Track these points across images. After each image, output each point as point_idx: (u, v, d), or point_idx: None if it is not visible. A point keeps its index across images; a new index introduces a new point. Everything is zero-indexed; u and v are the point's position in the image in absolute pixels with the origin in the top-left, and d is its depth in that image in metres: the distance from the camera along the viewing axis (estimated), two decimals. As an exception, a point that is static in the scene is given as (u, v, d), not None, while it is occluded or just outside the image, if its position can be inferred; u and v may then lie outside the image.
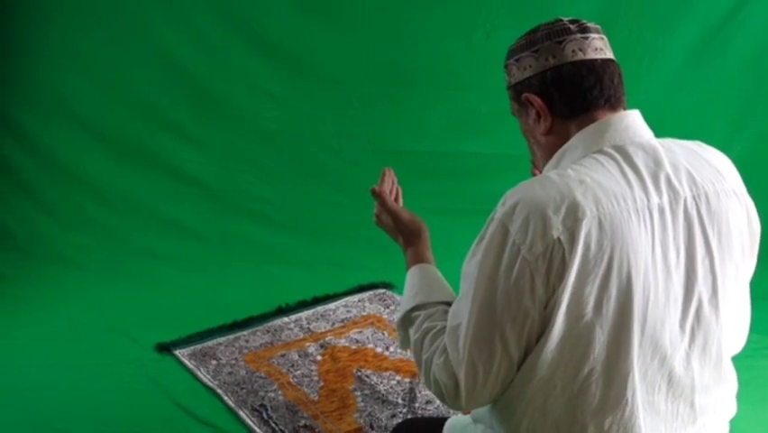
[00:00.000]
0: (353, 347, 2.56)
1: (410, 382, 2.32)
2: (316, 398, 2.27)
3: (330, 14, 3.35)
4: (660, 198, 1.12)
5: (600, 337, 1.09)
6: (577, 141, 1.18)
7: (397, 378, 2.36)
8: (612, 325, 1.09)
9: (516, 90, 1.24)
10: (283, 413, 2.20)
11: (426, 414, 2.18)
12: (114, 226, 3.30)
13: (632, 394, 1.13)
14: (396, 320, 1.39)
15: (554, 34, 1.19)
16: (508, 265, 1.08)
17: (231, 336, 2.64)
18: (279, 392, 2.30)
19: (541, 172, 1.26)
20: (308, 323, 2.74)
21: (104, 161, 3.35)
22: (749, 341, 1.32)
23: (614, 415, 1.13)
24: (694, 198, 1.15)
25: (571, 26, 1.20)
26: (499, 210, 1.12)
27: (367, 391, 2.29)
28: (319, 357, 2.50)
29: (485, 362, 1.12)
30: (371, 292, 2.96)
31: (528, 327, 1.10)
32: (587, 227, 1.06)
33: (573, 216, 1.06)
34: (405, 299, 1.37)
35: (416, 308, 1.32)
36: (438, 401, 2.18)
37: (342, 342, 2.59)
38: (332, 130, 3.46)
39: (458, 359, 1.14)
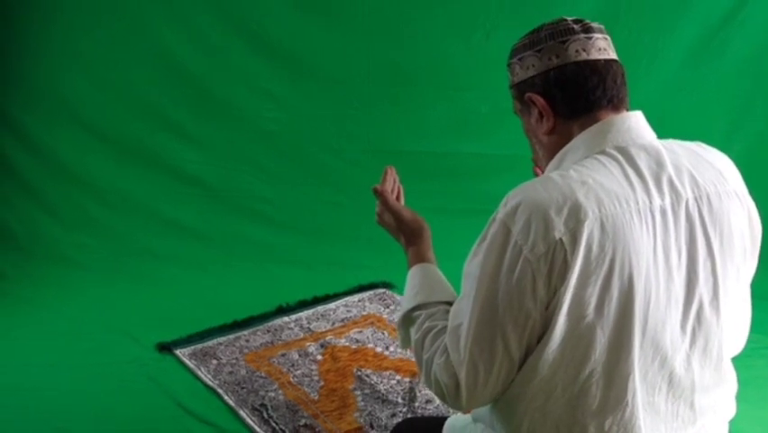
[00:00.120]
0: (353, 347, 2.56)
1: (410, 382, 2.33)
2: (317, 397, 2.27)
3: (330, 14, 3.35)
4: (662, 199, 1.12)
5: (601, 339, 1.10)
6: (579, 141, 1.18)
7: (397, 377, 2.36)
8: (613, 326, 1.10)
9: (519, 89, 1.24)
10: (283, 413, 2.20)
11: (426, 413, 2.18)
12: (114, 226, 3.30)
13: (632, 395, 1.13)
14: (397, 319, 1.39)
15: (558, 34, 1.19)
16: (510, 266, 1.08)
17: (231, 336, 2.64)
18: (280, 392, 2.30)
19: (543, 172, 1.26)
20: (309, 323, 2.74)
21: (104, 161, 3.35)
22: (748, 341, 1.32)
23: (614, 416, 1.13)
24: (696, 199, 1.15)
25: (575, 26, 1.19)
26: (501, 211, 1.11)
27: (367, 391, 2.29)
28: (319, 357, 2.50)
29: (486, 362, 1.12)
30: (371, 292, 2.97)
31: (530, 327, 1.10)
32: (589, 229, 1.06)
33: (575, 218, 1.06)
34: (406, 299, 1.37)
35: (417, 307, 1.32)
36: (438, 401, 2.19)
37: (343, 341, 2.60)
38: (332, 130, 3.46)
39: (459, 359, 1.14)
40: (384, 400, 2.24)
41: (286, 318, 2.76)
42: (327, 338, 2.61)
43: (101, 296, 2.93)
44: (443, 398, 1.20)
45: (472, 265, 1.14)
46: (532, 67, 1.21)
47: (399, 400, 2.24)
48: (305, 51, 3.37)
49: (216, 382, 2.36)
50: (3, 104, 3.33)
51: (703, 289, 1.15)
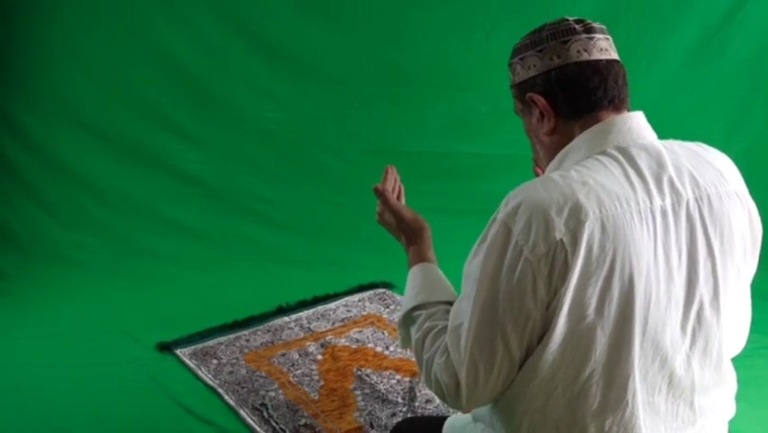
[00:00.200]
0: (354, 347, 2.57)
1: (410, 382, 2.33)
2: (317, 397, 2.28)
3: (330, 14, 3.36)
4: (662, 200, 1.12)
5: (602, 339, 1.10)
6: (580, 142, 1.18)
7: (397, 377, 2.37)
8: (613, 327, 1.10)
9: (520, 89, 1.24)
10: (284, 412, 2.20)
11: (426, 413, 2.18)
12: (115, 226, 3.30)
13: (632, 395, 1.13)
14: (397, 319, 1.40)
15: (559, 34, 1.19)
16: (511, 266, 1.08)
17: (231, 336, 2.65)
18: (280, 391, 2.31)
19: (543, 172, 1.26)
20: (309, 322, 2.74)
21: (105, 161, 3.35)
22: (748, 341, 1.32)
23: (614, 416, 1.13)
24: (696, 200, 1.15)
25: (577, 26, 1.19)
26: (502, 211, 1.11)
27: (367, 391, 2.29)
28: (319, 356, 2.51)
29: (486, 362, 1.12)
30: (371, 292, 2.97)
31: (530, 327, 1.10)
32: (589, 229, 1.06)
33: (576, 218, 1.06)
34: (406, 298, 1.38)
35: (418, 307, 1.32)
36: (438, 400, 2.19)
37: (343, 341, 2.60)
38: (332, 130, 3.46)
39: (459, 359, 1.14)
40: (384, 400, 2.24)
41: (286, 318, 2.77)
42: (327, 338, 2.62)
43: (101, 296, 2.94)
44: (443, 398, 1.20)
45: (473, 265, 1.14)
46: (533, 67, 1.21)
47: (399, 400, 2.24)
48: (305, 51, 3.38)
49: (217, 381, 2.37)
50: (3, 104, 3.33)
51: (703, 289, 1.15)
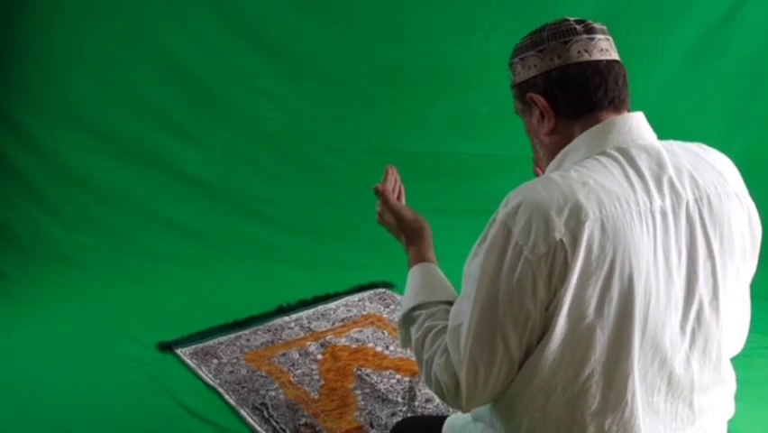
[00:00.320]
0: (354, 346, 2.57)
1: (410, 381, 2.33)
2: (317, 396, 2.28)
3: (330, 14, 3.36)
4: (662, 200, 1.12)
5: (601, 339, 1.10)
6: (580, 142, 1.18)
7: (397, 377, 2.37)
8: (613, 327, 1.10)
9: (521, 89, 1.24)
10: (284, 412, 2.21)
11: (426, 412, 2.19)
12: (115, 226, 3.31)
13: (632, 395, 1.13)
14: (397, 319, 1.40)
15: (560, 34, 1.19)
16: (511, 266, 1.09)
17: (232, 336, 2.65)
18: (280, 391, 2.31)
19: (543, 172, 1.26)
20: (309, 322, 2.75)
21: (105, 161, 3.36)
22: (747, 341, 1.32)
23: (614, 416, 1.13)
24: (696, 200, 1.15)
25: (577, 26, 1.19)
26: (502, 211, 1.11)
27: (367, 390, 2.30)
28: (320, 356, 2.51)
29: (486, 362, 1.12)
30: (371, 292, 2.97)
31: (530, 327, 1.10)
32: (589, 229, 1.06)
33: (576, 219, 1.07)
34: (406, 298, 1.38)
35: (418, 307, 1.33)
36: (438, 400, 2.19)
37: (343, 341, 2.60)
38: (332, 130, 3.46)
39: (459, 359, 1.14)
40: (384, 400, 2.25)
41: (286, 318, 2.77)
42: (327, 338, 2.62)
43: (102, 296, 2.94)
44: (443, 397, 1.21)
45: (473, 265, 1.15)
46: (534, 67, 1.21)
47: (399, 400, 2.25)
48: (305, 51, 3.38)
49: (217, 381, 2.37)
50: (4, 104, 3.34)
51: (703, 289, 1.15)
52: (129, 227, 3.31)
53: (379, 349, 2.54)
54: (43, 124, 3.33)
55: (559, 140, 1.21)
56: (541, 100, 1.20)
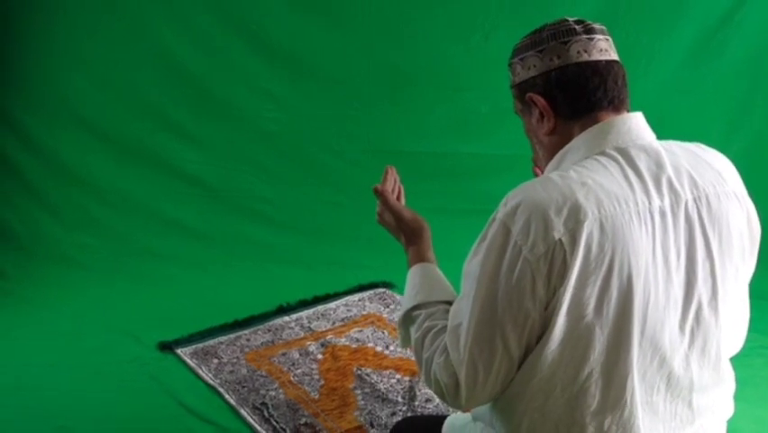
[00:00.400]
0: (354, 346, 2.57)
1: (410, 381, 2.34)
2: (317, 396, 2.28)
3: (330, 15, 3.36)
4: (661, 200, 1.12)
5: (600, 339, 1.10)
6: (579, 142, 1.18)
7: (397, 376, 2.37)
8: (612, 326, 1.10)
9: (520, 89, 1.24)
10: (284, 411, 2.21)
11: (426, 412, 2.19)
12: (115, 226, 3.31)
13: (631, 395, 1.13)
14: (397, 319, 1.40)
15: (560, 35, 1.19)
16: (510, 266, 1.09)
17: (232, 335, 2.65)
18: (280, 391, 2.31)
19: (542, 172, 1.26)
20: (309, 322, 2.75)
21: (106, 161, 3.36)
22: (747, 340, 1.32)
23: (613, 415, 1.14)
24: (695, 200, 1.15)
25: (577, 27, 1.19)
26: (501, 211, 1.12)
27: (367, 390, 2.30)
28: (320, 356, 2.51)
29: (485, 361, 1.12)
30: (371, 291, 2.98)
31: (529, 327, 1.10)
32: (588, 229, 1.07)
33: (575, 218, 1.07)
34: (406, 298, 1.38)
35: (417, 306, 1.33)
36: (438, 400, 2.19)
37: (343, 341, 2.61)
38: (332, 130, 3.47)
39: (459, 358, 1.15)
40: (384, 399, 2.25)
41: (286, 318, 2.77)
42: (328, 337, 2.62)
43: (102, 295, 2.94)
44: (442, 397, 1.21)
45: (472, 265, 1.15)
46: (533, 67, 1.21)
47: (399, 399, 2.25)
48: (305, 51, 3.38)
49: (217, 380, 2.37)
50: (4, 104, 3.34)
51: (702, 289, 1.16)
52: (129, 227, 3.31)
53: (379, 349, 2.55)
54: (43, 124, 3.34)
55: (558, 140, 1.21)
56: (540, 100, 1.21)
